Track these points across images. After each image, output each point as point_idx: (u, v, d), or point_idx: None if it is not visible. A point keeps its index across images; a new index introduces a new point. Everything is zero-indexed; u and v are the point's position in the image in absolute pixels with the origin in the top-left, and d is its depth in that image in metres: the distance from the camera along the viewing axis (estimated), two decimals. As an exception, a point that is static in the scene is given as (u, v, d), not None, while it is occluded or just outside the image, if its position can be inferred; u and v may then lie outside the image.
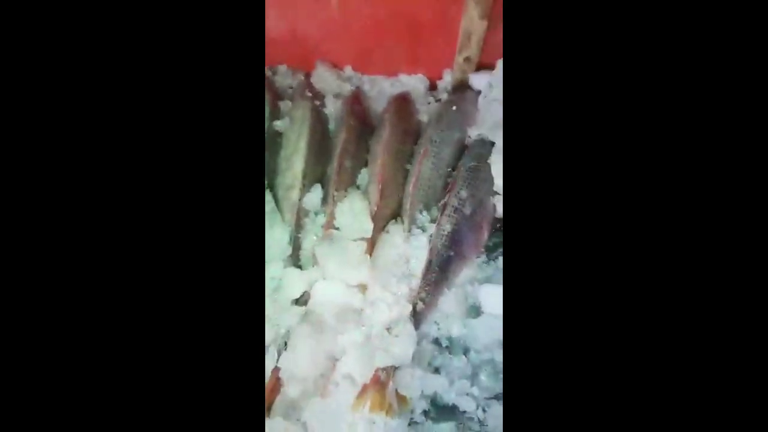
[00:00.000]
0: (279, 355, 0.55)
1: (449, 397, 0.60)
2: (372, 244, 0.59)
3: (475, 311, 0.61)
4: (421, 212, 0.62)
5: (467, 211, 0.61)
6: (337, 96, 0.74)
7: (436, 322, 0.62)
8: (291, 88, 0.76)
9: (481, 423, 0.59)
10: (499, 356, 0.60)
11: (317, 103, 0.70)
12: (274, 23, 0.69)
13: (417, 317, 0.57)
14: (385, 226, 0.61)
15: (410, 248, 0.60)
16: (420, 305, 0.58)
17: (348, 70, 0.77)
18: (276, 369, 0.55)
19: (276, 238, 0.58)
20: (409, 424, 0.59)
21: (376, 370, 0.54)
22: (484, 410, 0.59)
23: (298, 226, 0.60)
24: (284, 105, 0.71)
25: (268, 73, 0.77)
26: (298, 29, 0.71)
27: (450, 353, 0.61)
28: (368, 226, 0.59)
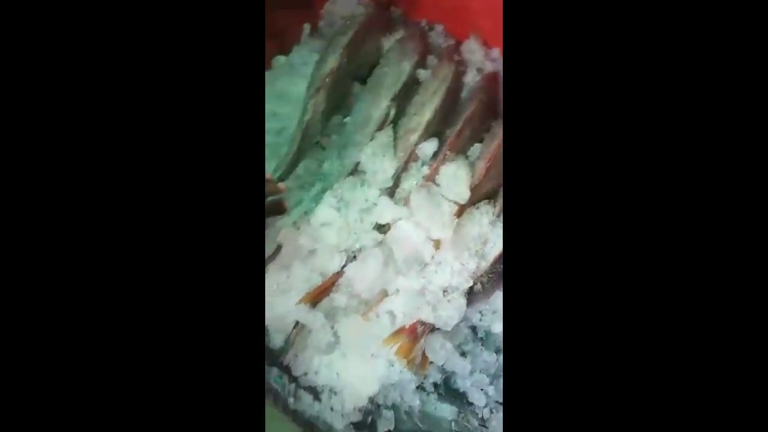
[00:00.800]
0: (346, 263, 0.59)
1: (463, 384, 0.62)
2: (461, 212, 0.61)
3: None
4: (516, 205, 0.62)
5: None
6: (478, 70, 0.76)
7: (481, 312, 0.63)
8: (440, 47, 0.78)
9: (483, 422, 0.60)
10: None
11: (461, 69, 0.72)
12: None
13: (470, 297, 0.59)
14: (477, 203, 0.63)
15: (491, 232, 0.61)
16: (478, 287, 0.60)
17: (495, 52, 0.78)
18: (338, 273, 0.59)
19: (384, 167, 0.62)
20: (417, 387, 0.61)
21: (417, 321, 0.57)
22: (491, 411, 0.61)
23: (405, 167, 0.63)
24: (430, 59, 0.74)
25: (424, 26, 0.80)
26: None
27: (482, 346, 0.63)
28: (465, 194, 0.61)
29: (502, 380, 0.60)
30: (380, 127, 0.66)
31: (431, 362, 0.60)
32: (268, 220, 0.63)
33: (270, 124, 0.79)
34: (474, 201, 0.62)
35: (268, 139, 0.78)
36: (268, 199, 0.60)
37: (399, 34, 0.76)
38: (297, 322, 0.59)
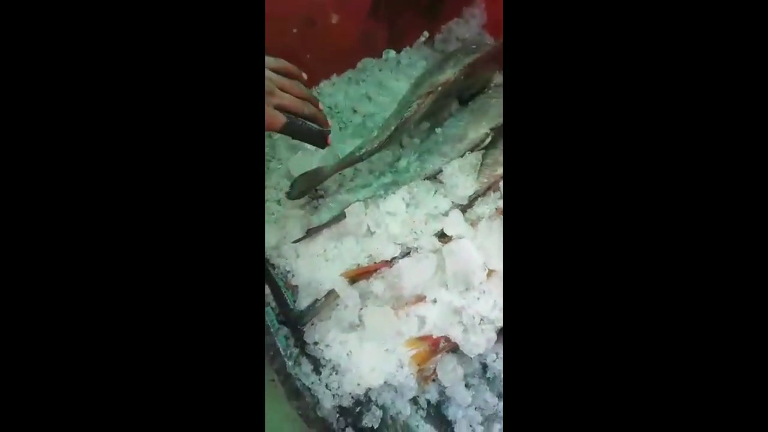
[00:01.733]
0: (399, 255, 0.60)
1: (455, 414, 0.62)
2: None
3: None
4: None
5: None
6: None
7: (497, 353, 0.63)
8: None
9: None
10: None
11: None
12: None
13: (498, 336, 0.60)
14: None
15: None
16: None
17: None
18: (387, 262, 0.60)
19: (465, 185, 0.64)
20: (412, 399, 0.61)
21: (443, 336, 0.58)
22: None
23: (484, 193, 0.66)
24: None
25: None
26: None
27: (487, 385, 0.63)
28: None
29: (495, 425, 0.60)
30: (472, 149, 0.68)
31: (435, 380, 0.60)
32: (308, 150, 0.64)
33: (362, 107, 0.82)
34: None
35: (355, 118, 0.82)
36: (305, 122, 0.59)
37: (511, 76, 0.80)
38: (330, 292, 0.60)
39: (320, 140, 0.63)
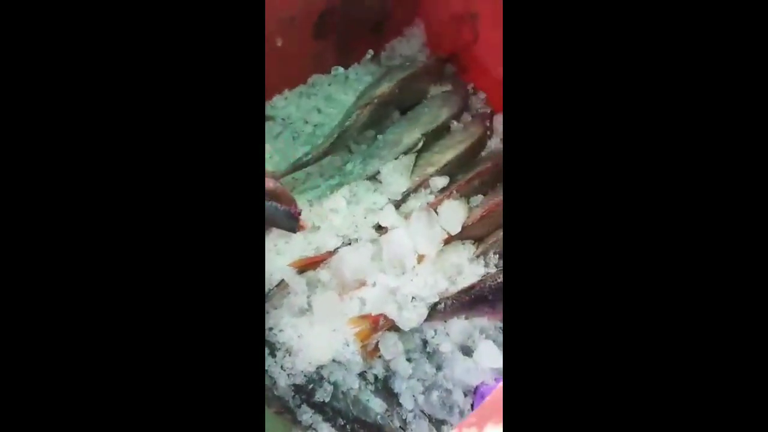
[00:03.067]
0: (341, 246, 0.68)
1: (400, 387, 0.69)
2: (449, 241, 0.71)
3: (469, 353, 0.71)
4: (495, 254, 0.73)
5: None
6: (502, 140, 0.89)
7: (436, 330, 0.72)
8: (477, 110, 0.92)
9: (404, 424, 0.67)
10: (457, 395, 0.68)
11: (488, 134, 0.86)
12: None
13: (432, 312, 0.68)
14: (464, 240, 0.73)
15: (467, 267, 0.71)
16: (440, 306, 0.69)
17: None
18: (331, 252, 0.68)
19: (399, 183, 0.73)
20: (360, 374, 0.68)
21: (382, 314, 0.66)
22: (414, 417, 0.68)
23: (416, 190, 0.74)
24: (465, 116, 0.88)
25: (470, 89, 0.94)
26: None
27: (427, 359, 0.71)
28: (457, 228, 0.71)
29: (433, 393, 0.68)
30: (406, 152, 0.77)
31: (380, 356, 0.67)
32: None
33: (312, 118, 0.91)
34: (462, 237, 0.73)
35: (306, 128, 0.90)
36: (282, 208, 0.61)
37: (447, 87, 0.91)
38: (281, 282, 0.67)
39: (293, 224, 0.64)
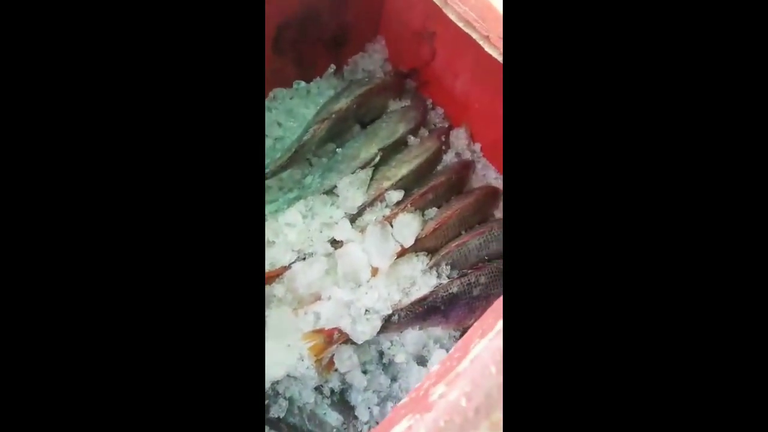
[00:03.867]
0: (295, 260, 0.68)
1: (356, 399, 0.70)
2: (402, 253, 0.73)
3: (424, 362, 0.72)
4: (447, 265, 0.75)
5: (475, 292, 0.74)
6: (457, 155, 0.92)
7: (392, 341, 0.73)
8: (435, 125, 0.95)
9: (359, 435, 0.68)
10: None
11: (444, 148, 0.89)
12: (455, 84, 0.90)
13: (386, 324, 0.69)
14: (418, 252, 0.75)
15: (420, 278, 0.73)
16: (395, 318, 0.70)
17: (477, 146, 0.95)
18: (285, 267, 0.68)
19: (355, 197, 0.74)
20: (315, 388, 0.69)
21: (336, 328, 0.66)
22: (370, 428, 0.69)
23: (371, 204, 0.76)
24: (422, 131, 0.90)
25: (428, 104, 0.97)
26: (466, 94, 0.91)
27: (383, 370, 0.72)
28: (410, 241, 0.73)
29: (388, 404, 0.69)
30: (363, 166, 0.79)
31: (336, 369, 0.68)
32: None
33: (272, 132, 0.91)
34: (416, 249, 0.74)
35: (267, 142, 0.90)
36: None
37: (406, 102, 0.93)
38: (235, 297, 0.67)
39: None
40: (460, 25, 0.51)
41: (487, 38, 0.48)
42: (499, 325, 0.32)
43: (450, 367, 0.32)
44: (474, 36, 0.50)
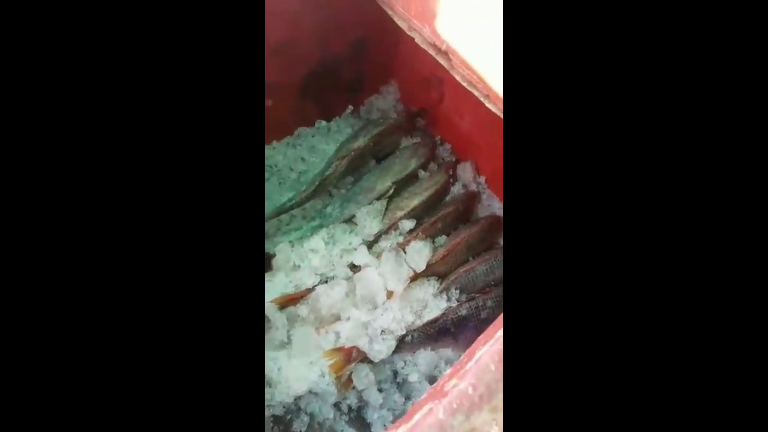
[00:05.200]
0: (318, 283, 0.75)
1: (372, 417, 0.75)
2: (415, 278, 0.79)
3: (435, 381, 0.77)
4: (456, 289, 0.81)
5: (483, 315, 0.79)
6: (464, 186, 1.00)
7: (405, 361, 0.78)
8: (443, 159, 1.04)
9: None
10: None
11: (452, 181, 0.97)
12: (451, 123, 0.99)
13: (400, 344, 0.75)
14: (429, 276, 0.81)
15: (432, 301, 0.79)
16: (408, 339, 0.76)
17: (482, 179, 1.03)
18: (309, 289, 0.75)
19: (372, 226, 0.82)
20: (334, 405, 0.74)
21: (354, 347, 0.72)
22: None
23: (387, 231, 0.83)
24: (432, 165, 0.99)
25: (437, 140, 1.06)
26: (471, 132, 1.00)
27: (397, 389, 0.77)
28: (422, 266, 0.80)
29: (402, 420, 0.73)
30: (379, 198, 0.87)
31: (354, 387, 0.73)
32: None
33: (297, 166, 1.00)
34: (427, 274, 0.81)
35: (291, 175, 0.99)
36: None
37: (417, 139, 1.02)
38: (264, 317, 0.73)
39: None
40: (464, 84, 0.59)
41: (487, 96, 0.57)
42: (499, 333, 0.39)
43: (460, 367, 0.38)
44: (476, 94, 0.58)
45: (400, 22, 0.64)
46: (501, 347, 0.38)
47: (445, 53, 0.60)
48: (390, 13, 0.64)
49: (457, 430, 0.35)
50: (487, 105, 0.58)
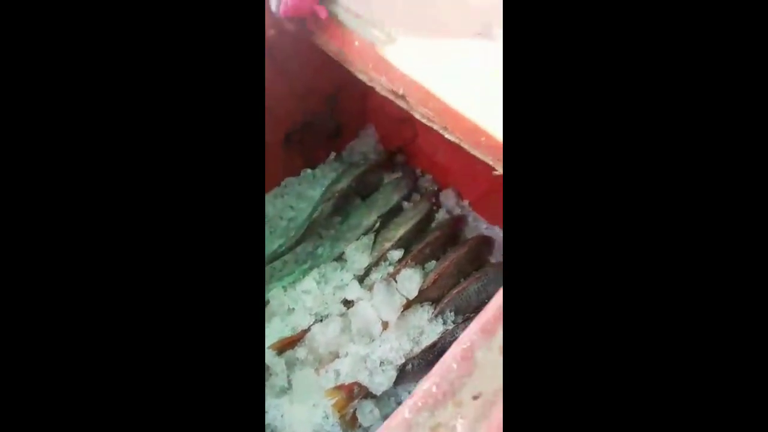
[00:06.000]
0: (314, 322, 0.76)
1: (379, 451, 0.72)
2: (408, 306, 0.80)
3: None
4: (451, 312, 0.82)
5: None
6: (448, 212, 1.03)
7: (409, 391, 0.77)
8: (426, 189, 1.08)
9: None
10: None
11: (435, 208, 1.00)
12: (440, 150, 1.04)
13: (401, 374, 0.74)
14: (422, 302, 0.82)
15: (427, 326, 0.79)
16: (409, 368, 0.75)
17: (465, 202, 1.06)
18: (305, 330, 0.76)
19: (361, 260, 0.84)
20: (340, 441, 0.72)
21: (355, 382, 0.72)
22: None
23: (376, 264, 0.86)
24: (414, 196, 1.03)
25: (418, 173, 1.11)
26: (447, 160, 1.05)
27: (404, 420, 0.75)
28: (414, 293, 0.81)
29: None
30: (366, 232, 0.90)
31: (360, 426, 0.72)
32: None
33: (286, 214, 1.05)
34: (420, 300, 0.82)
35: (281, 223, 1.03)
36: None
37: (398, 174, 1.07)
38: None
39: None
40: (424, 121, 0.66)
41: (446, 128, 0.63)
42: (464, 335, 0.41)
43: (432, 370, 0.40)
44: (436, 127, 0.64)
45: (361, 76, 0.71)
46: (462, 348, 0.40)
47: (403, 96, 0.66)
48: (352, 69, 0.72)
49: (422, 427, 0.35)
50: (447, 136, 0.63)
